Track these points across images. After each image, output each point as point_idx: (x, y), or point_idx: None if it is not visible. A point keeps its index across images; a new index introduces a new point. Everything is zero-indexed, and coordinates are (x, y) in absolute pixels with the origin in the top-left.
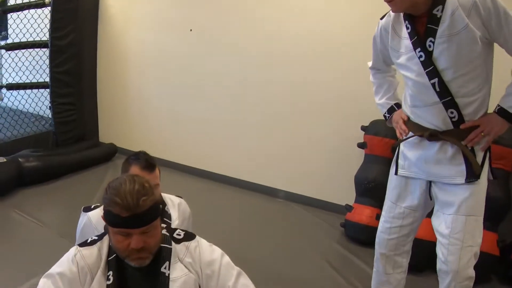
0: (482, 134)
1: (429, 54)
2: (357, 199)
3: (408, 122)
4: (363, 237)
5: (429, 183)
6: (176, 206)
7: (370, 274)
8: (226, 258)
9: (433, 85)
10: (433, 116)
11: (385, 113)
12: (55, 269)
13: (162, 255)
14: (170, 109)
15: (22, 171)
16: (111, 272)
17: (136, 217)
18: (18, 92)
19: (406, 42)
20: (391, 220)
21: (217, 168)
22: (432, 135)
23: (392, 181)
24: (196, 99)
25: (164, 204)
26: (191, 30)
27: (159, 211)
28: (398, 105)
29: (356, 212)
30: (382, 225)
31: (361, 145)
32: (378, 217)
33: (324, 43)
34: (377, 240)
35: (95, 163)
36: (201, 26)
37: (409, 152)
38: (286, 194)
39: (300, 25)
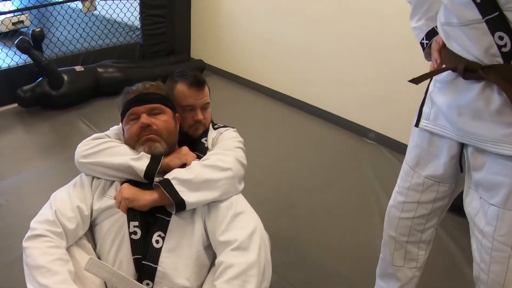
0: None
1: None
2: None
3: (442, 49)
4: None
5: (462, 146)
6: (210, 142)
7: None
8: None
9: None
10: (472, 42)
11: (423, 38)
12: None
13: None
14: (260, 32)
15: (100, 81)
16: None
17: (142, 96)
18: (112, 2)
19: None
20: (406, 192)
21: (305, 97)
22: (469, 70)
23: (413, 136)
24: (287, 25)
25: (204, 134)
26: None
27: (168, 101)
28: None
29: None
30: (394, 197)
31: None
32: None
33: None
34: (386, 217)
35: None
36: None
37: (438, 95)
38: (377, 136)
39: None
